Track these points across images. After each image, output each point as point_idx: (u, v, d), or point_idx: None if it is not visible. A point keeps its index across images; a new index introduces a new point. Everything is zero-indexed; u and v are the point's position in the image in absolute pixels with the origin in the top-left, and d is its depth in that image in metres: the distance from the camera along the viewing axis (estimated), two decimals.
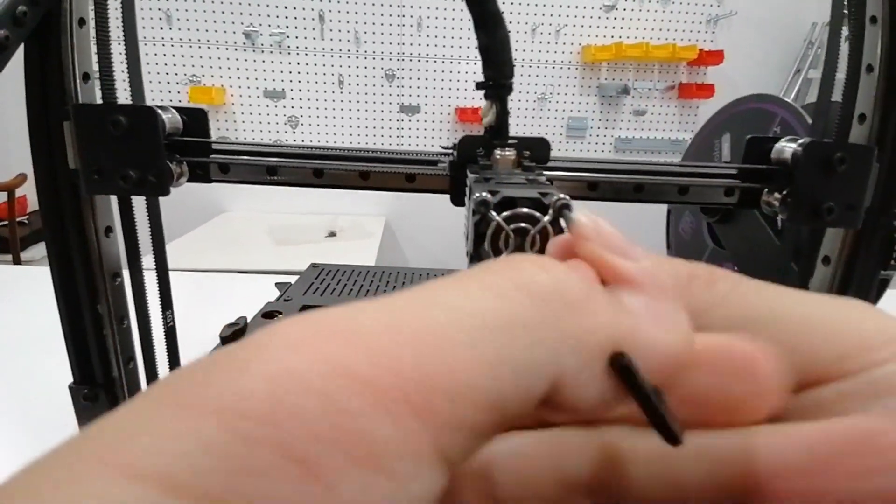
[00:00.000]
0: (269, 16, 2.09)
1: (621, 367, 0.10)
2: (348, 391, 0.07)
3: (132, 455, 0.07)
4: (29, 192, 2.02)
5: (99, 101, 0.33)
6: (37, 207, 2.03)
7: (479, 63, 0.28)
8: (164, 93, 2.13)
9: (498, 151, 0.29)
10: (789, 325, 0.13)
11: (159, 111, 0.32)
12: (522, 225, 0.22)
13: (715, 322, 0.13)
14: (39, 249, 1.97)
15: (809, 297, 0.14)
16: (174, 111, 0.34)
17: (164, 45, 2.08)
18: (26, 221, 2.01)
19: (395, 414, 0.07)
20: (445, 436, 0.08)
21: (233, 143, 0.36)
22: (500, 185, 0.24)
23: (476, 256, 0.23)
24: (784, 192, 0.34)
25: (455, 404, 0.08)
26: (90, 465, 0.07)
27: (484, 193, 0.21)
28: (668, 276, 0.13)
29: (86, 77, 0.33)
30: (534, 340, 0.09)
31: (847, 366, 0.13)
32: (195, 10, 2.07)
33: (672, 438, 0.10)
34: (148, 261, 0.37)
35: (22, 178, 1.79)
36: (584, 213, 0.14)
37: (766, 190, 0.35)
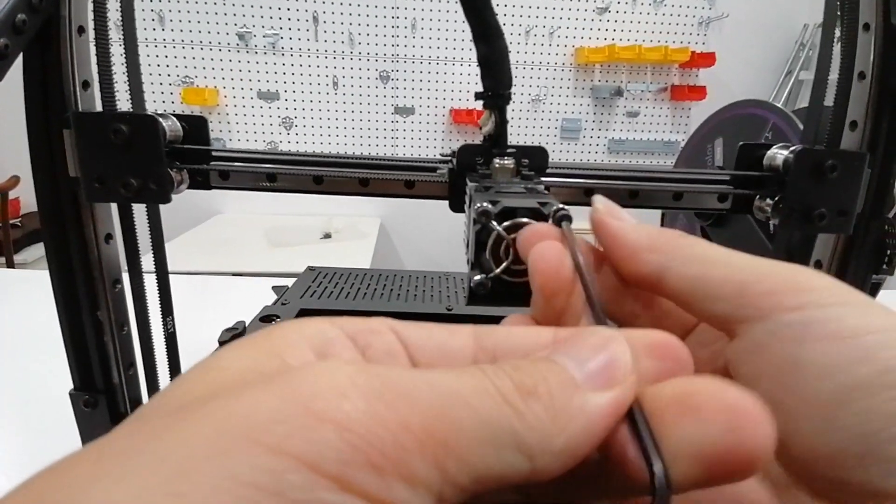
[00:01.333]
0: (262, 17, 2.09)
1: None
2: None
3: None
4: (22, 195, 2.01)
5: (99, 108, 0.34)
6: (30, 210, 2.03)
7: (475, 65, 0.28)
8: (157, 94, 2.12)
9: (497, 160, 0.30)
10: (733, 264, 0.15)
11: (160, 119, 0.32)
12: None
13: (672, 261, 0.16)
14: (32, 252, 1.96)
15: (757, 257, 0.15)
16: (174, 118, 0.35)
17: (156, 46, 2.08)
18: (19, 224, 1.99)
19: (424, 449, 0.10)
20: (446, 475, 0.10)
21: (232, 151, 0.36)
22: (500, 194, 0.24)
23: (477, 265, 0.23)
24: (776, 199, 0.35)
25: (458, 462, 0.10)
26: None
27: (485, 203, 0.22)
28: (648, 230, 0.17)
29: (85, 85, 0.34)
30: (512, 443, 0.11)
31: (771, 304, 0.14)
32: (188, 11, 2.06)
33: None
34: (145, 264, 0.37)
35: (15, 181, 1.78)
36: (599, 198, 0.19)
37: (759, 196, 0.36)
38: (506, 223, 0.22)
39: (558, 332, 0.15)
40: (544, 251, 0.17)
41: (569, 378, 0.12)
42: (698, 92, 2.24)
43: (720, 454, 0.11)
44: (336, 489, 0.09)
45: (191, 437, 0.09)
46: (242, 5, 2.07)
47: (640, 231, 0.17)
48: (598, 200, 0.19)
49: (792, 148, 0.34)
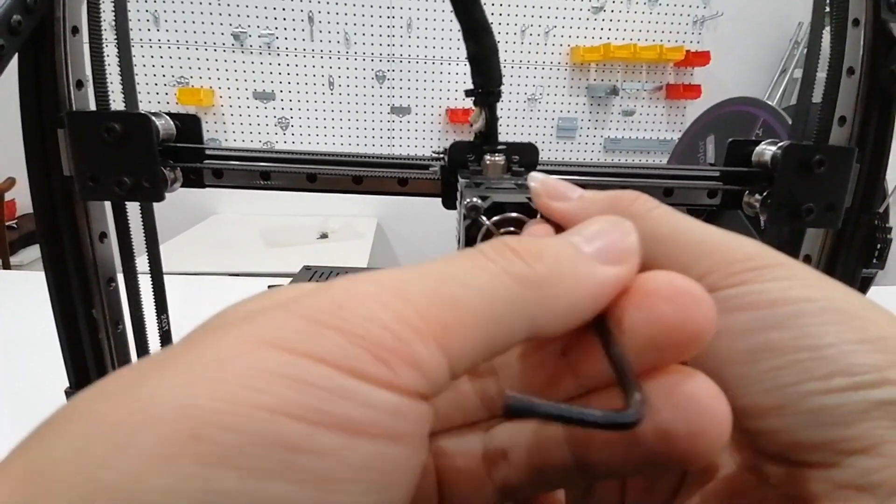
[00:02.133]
0: (257, 17, 2.09)
1: (600, 329, 0.13)
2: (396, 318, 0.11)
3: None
4: (17, 196, 2.00)
5: (93, 107, 0.34)
6: (26, 212, 2.02)
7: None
8: (152, 94, 2.11)
9: (488, 157, 0.30)
10: (679, 243, 0.15)
11: (153, 118, 0.32)
12: (511, 229, 0.22)
13: None
14: (28, 254, 1.95)
15: (712, 228, 0.16)
16: (167, 117, 0.35)
17: (151, 46, 2.07)
18: (15, 226, 1.99)
19: (423, 335, 0.11)
20: (451, 352, 0.11)
21: (226, 149, 0.36)
22: (489, 190, 0.24)
23: None
24: (765, 194, 0.35)
25: (461, 340, 0.11)
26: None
27: (474, 199, 0.22)
28: (596, 204, 0.17)
29: (79, 84, 0.34)
30: (513, 309, 0.12)
31: (707, 282, 0.14)
32: (183, 12, 2.06)
33: (630, 393, 0.12)
34: (140, 264, 0.37)
35: (10, 183, 1.77)
36: (534, 176, 0.18)
37: (748, 192, 0.36)
38: (495, 218, 0.22)
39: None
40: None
41: (577, 250, 0.13)
42: (693, 90, 2.25)
43: (671, 331, 0.13)
44: (351, 377, 0.10)
45: (219, 345, 0.10)
46: (237, 5, 2.06)
47: (588, 208, 0.17)
48: (533, 179, 0.18)
49: (780, 144, 0.35)
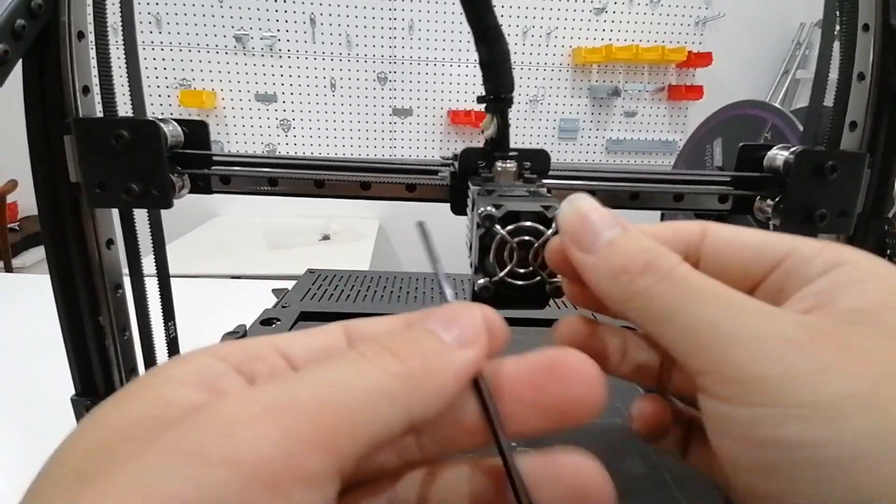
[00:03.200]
0: (259, 19, 2.09)
1: (478, 395, 0.15)
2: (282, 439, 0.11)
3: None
4: (20, 199, 2.00)
5: (99, 113, 0.34)
6: (28, 214, 2.02)
7: (472, 65, 0.28)
8: (154, 97, 2.12)
9: (499, 163, 0.30)
10: (675, 329, 0.15)
11: (161, 124, 0.32)
12: (526, 238, 0.22)
13: (628, 314, 0.16)
14: (30, 256, 1.95)
15: (712, 307, 0.15)
16: (175, 123, 0.35)
17: (153, 48, 2.07)
18: (17, 228, 1.99)
19: (314, 446, 0.11)
20: (341, 455, 0.11)
21: (234, 155, 0.36)
22: (503, 198, 0.24)
23: (481, 268, 0.23)
24: (777, 199, 0.35)
25: (349, 441, 0.12)
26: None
27: (489, 208, 0.22)
28: (607, 265, 0.17)
29: (85, 90, 0.34)
30: (393, 403, 0.13)
31: (702, 384, 0.15)
32: (185, 14, 2.06)
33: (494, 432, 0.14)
34: (146, 268, 0.37)
35: (12, 185, 1.77)
36: (571, 203, 0.19)
37: (759, 197, 0.36)
38: (509, 227, 0.22)
39: (410, 315, 0.16)
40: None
41: (438, 339, 0.14)
42: (695, 92, 2.25)
43: (553, 403, 0.15)
44: None
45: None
46: (239, 7, 2.06)
47: (599, 270, 0.17)
48: (564, 219, 0.18)
49: (792, 149, 0.35)
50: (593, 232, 0.17)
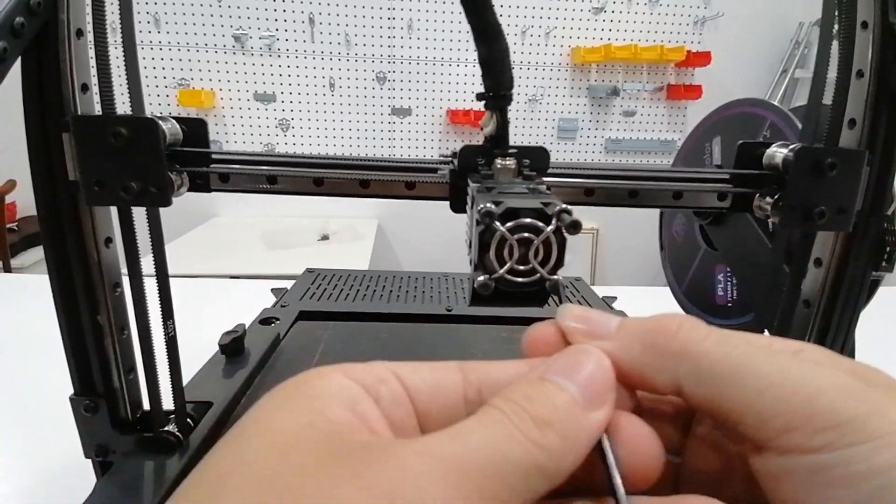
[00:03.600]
0: (258, 18, 2.09)
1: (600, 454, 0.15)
2: None
3: None
4: (18, 199, 2.00)
5: (98, 111, 0.33)
6: (26, 214, 2.02)
7: (472, 65, 0.28)
8: (153, 97, 2.11)
9: (499, 161, 0.30)
10: (745, 387, 0.14)
11: (159, 122, 0.32)
12: (526, 235, 0.22)
13: (682, 379, 0.15)
14: (29, 256, 1.95)
15: (774, 358, 0.15)
16: (173, 121, 0.34)
17: (152, 48, 2.07)
18: (16, 228, 1.99)
19: None
20: None
21: (232, 153, 0.36)
22: (503, 195, 0.24)
23: (480, 266, 0.23)
24: (776, 197, 0.35)
25: None
26: None
27: (488, 204, 0.22)
28: (637, 339, 0.16)
29: (84, 88, 0.33)
30: (537, 472, 0.14)
31: (788, 441, 0.14)
32: (184, 14, 2.06)
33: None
34: (145, 267, 0.37)
35: (11, 185, 1.77)
36: (570, 313, 0.18)
37: (759, 194, 0.36)
38: (509, 224, 0.22)
39: (531, 362, 0.17)
40: (539, 343, 0.18)
41: (572, 400, 0.15)
42: (694, 91, 2.25)
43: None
44: None
45: None
46: (238, 7, 2.06)
47: (631, 347, 0.16)
48: (569, 317, 0.18)
49: (791, 146, 0.35)
50: (602, 321, 0.17)
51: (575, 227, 0.21)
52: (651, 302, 0.90)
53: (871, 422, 0.13)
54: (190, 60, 2.11)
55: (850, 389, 0.14)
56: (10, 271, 1.78)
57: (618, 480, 0.15)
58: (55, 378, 0.40)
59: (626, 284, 1.00)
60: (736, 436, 0.16)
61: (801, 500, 0.14)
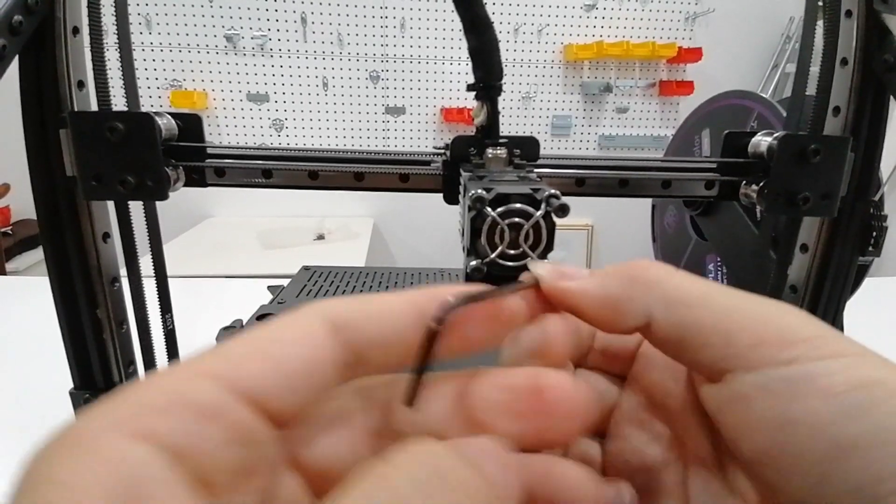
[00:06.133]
0: (250, 18, 2.08)
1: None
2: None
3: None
4: (13, 202, 1.99)
5: (94, 107, 0.34)
6: (21, 218, 2.01)
7: (465, 63, 0.29)
8: (145, 97, 2.11)
9: (490, 150, 0.30)
10: (714, 309, 0.15)
11: (155, 117, 0.33)
12: (517, 220, 0.23)
13: (653, 306, 0.15)
14: (24, 260, 1.94)
15: (735, 291, 0.15)
16: (169, 116, 0.35)
17: (144, 49, 2.07)
18: (10, 232, 1.98)
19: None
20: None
21: (228, 148, 0.36)
22: (493, 182, 0.25)
23: (473, 251, 0.24)
24: (761, 184, 0.36)
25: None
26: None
27: (479, 190, 0.22)
28: (610, 276, 0.16)
29: (80, 84, 0.34)
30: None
31: (759, 355, 0.14)
32: (175, 14, 2.05)
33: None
34: (143, 264, 0.37)
35: (4, 188, 1.76)
36: (538, 265, 0.17)
37: (745, 182, 0.37)
38: (500, 209, 0.23)
39: (416, 301, 0.15)
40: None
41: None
42: (686, 87, 2.26)
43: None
44: None
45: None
46: (230, 7, 2.06)
47: (606, 281, 0.16)
48: (537, 268, 0.17)
49: (776, 134, 0.35)
50: (575, 269, 0.17)
51: (563, 210, 0.22)
52: None
53: (839, 341, 0.13)
54: (182, 61, 2.10)
55: (810, 318, 0.14)
56: (5, 274, 1.77)
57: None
58: (51, 379, 0.40)
59: None
60: (697, 365, 0.15)
61: (777, 416, 0.13)
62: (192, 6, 2.04)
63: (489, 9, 0.27)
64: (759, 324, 0.14)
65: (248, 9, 2.07)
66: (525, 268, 0.23)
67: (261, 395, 0.12)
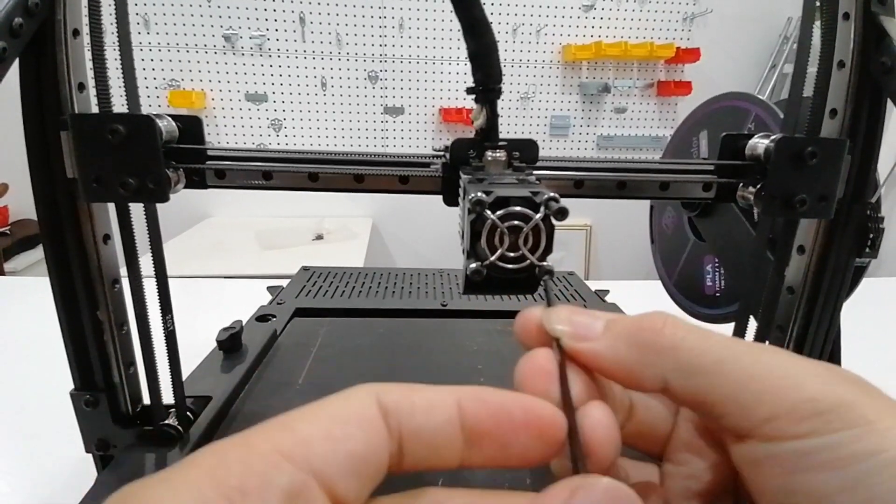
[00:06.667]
0: (248, 18, 2.09)
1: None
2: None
3: None
4: (10, 203, 1.99)
5: (94, 110, 0.34)
6: (19, 218, 2.01)
7: (464, 63, 0.29)
8: (143, 98, 2.10)
9: (489, 153, 0.31)
10: (728, 379, 0.15)
11: (156, 119, 0.33)
12: (516, 223, 0.23)
13: (668, 374, 0.16)
14: (22, 260, 1.94)
15: (757, 352, 0.15)
16: (169, 118, 0.35)
17: (142, 49, 2.07)
18: (8, 232, 1.97)
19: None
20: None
21: (228, 150, 0.36)
22: (493, 185, 0.25)
23: (472, 254, 0.24)
24: (758, 187, 0.36)
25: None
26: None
27: (479, 193, 0.23)
28: (623, 338, 0.16)
29: (81, 87, 0.34)
30: None
31: (772, 429, 0.14)
32: (173, 14, 2.05)
33: None
34: (143, 265, 0.37)
35: (3, 188, 1.76)
36: (559, 315, 0.17)
37: (742, 184, 0.37)
38: (499, 212, 0.23)
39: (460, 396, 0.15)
40: (532, 378, 0.16)
41: None
42: (684, 87, 2.27)
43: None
44: None
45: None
46: (228, 7, 2.06)
47: (617, 345, 0.16)
48: (553, 322, 0.17)
49: (773, 137, 0.35)
50: (588, 323, 0.17)
51: (562, 213, 0.22)
52: (643, 295, 0.91)
53: (854, 410, 0.14)
54: (180, 61, 2.10)
55: (831, 379, 0.14)
56: (3, 274, 1.77)
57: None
58: (52, 377, 0.40)
59: (620, 279, 1.01)
60: (719, 427, 0.16)
61: (785, 485, 0.14)
62: (191, 6, 2.04)
63: (488, 9, 0.27)
64: (777, 394, 0.14)
65: (247, 9, 2.07)
66: (525, 270, 0.24)
67: (331, 479, 0.12)
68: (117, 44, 0.33)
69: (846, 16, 0.37)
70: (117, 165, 0.32)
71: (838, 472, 0.13)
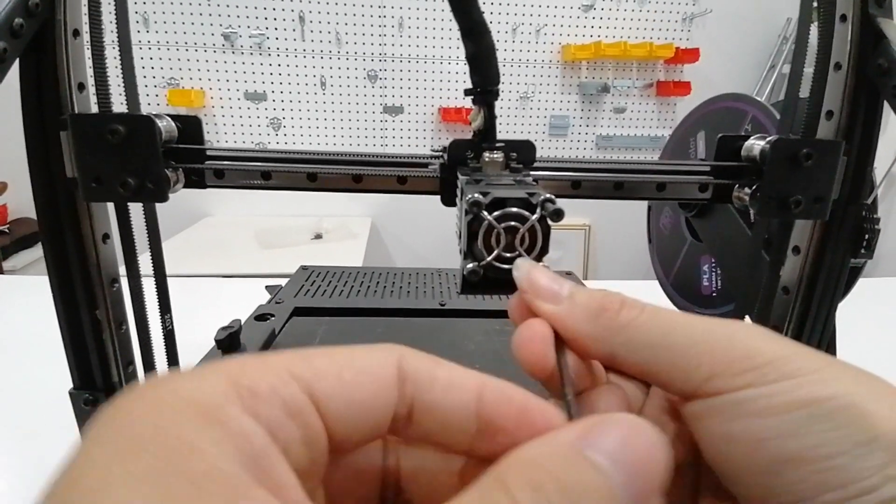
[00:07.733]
0: (248, 17, 2.08)
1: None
2: None
3: None
4: (10, 201, 1.99)
5: (94, 110, 0.34)
6: (18, 216, 2.00)
7: (463, 63, 0.29)
8: (142, 96, 2.10)
9: (487, 154, 0.31)
10: (673, 349, 0.16)
11: (155, 119, 0.33)
12: (512, 223, 0.23)
13: (617, 348, 0.17)
14: (21, 258, 1.94)
15: (699, 322, 0.16)
16: (168, 118, 0.35)
17: (141, 47, 2.06)
18: (7, 231, 1.97)
19: None
20: None
21: (227, 150, 0.36)
22: (490, 186, 0.25)
23: (469, 254, 0.24)
24: (754, 188, 0.36)
25: None
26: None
27: (476, 194, 0.23)
28: (584, 309, 0.17)
29: (81, 87, 0.34)
30: None
31: (712, 386, 0.15)
32: (172, 13, 2.05)
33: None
34: (142, 264, 0.38)
35: (2, 187, 1.76)
36: (520, 265, 0.19)
37: (738, 185, 0.37)
38: (496, 213, 0.23)
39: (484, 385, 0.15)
40: (530, 343, 0.17)
41: (605, 477, 0.12)
42: (683, 87, 2.27)
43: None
44: None
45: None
46: (227, 6, 2.06)
47: (576, 313, 0.17)
48: (518, 269, 0.19)
49: (769, 138, 0.36)
50: (551, 286, 0.18)
51: (558, 214, 0.22)
52: (641, 295, 0.91)
53: (791, 363, 0.14)
54: (179, 60, 2.10)
55: (769, 338, 0.15)
56: (2, 272, 1.77)
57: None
58: (51, 376, 0.40)
59: (618, 279, 1.02)
60: (668, 394, 0.17)
61: (726, 432, 0.15)
62: (190, 4, 2.04)
63: (487, 9, 0.27)
64: (714, 355, 0.15)
65: (246, 7, 2.07)
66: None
67: (327, 413, 0.13)
68: (117, 44, 0.33)
69: (843, 18, 0.37)
70: (117, 165, 0.32)
71: (775, 418, 0.14)
